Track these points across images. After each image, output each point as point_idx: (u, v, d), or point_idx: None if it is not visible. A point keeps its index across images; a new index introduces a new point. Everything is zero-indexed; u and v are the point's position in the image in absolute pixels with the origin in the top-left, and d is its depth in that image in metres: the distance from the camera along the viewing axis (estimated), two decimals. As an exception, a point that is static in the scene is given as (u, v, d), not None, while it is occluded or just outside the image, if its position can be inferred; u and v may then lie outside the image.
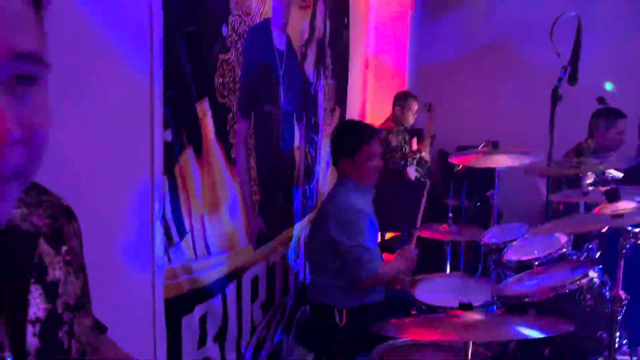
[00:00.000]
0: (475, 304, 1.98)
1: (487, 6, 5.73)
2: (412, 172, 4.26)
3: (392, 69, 4.85)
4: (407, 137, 4.39)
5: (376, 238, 2.31)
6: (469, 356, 1.40)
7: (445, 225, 2.76)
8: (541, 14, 5.34)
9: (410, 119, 4.38)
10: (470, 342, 1.37)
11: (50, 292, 0.58)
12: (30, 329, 0.54)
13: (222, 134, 1.72)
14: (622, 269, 1.45)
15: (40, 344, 0.55)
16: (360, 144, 2.25)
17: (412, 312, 2.25)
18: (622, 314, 1.49)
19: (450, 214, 2.73)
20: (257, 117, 1.99)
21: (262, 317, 2.18)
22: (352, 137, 2.30)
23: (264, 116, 2.08)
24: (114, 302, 1.01)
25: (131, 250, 1.30)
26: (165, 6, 1.36)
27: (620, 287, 1.46)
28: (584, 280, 1.58)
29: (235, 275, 1.90)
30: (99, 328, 0.74)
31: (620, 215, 1.37)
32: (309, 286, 2.39)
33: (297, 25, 2.48)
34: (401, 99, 4.36)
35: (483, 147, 3.53)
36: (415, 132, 4.69)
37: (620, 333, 1.59)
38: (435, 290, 2.33)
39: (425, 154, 4.42)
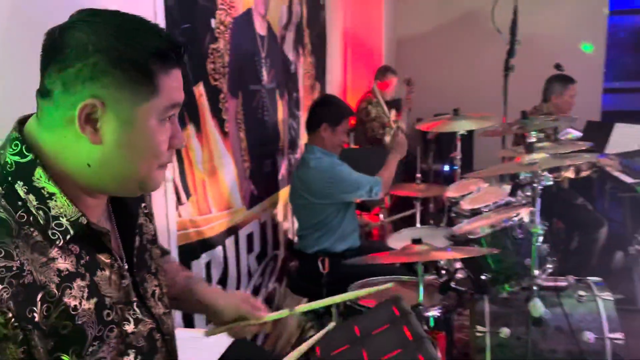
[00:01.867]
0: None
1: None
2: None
3: (369, 44, 5.15)
4: (385, 109, 4.73)
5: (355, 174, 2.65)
6: (421, 273, 1.79)
7: (414, 185, 3.15)
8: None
9: (389, 91, 4.72)
10: (420, 262, 1.75)
11: (140, 231, 0.97)
12: (134, 252, 0.92)
13: (216, 112, 2.05)
14: (539, 205, 1.82)
15: (136, 260, 0.92)
16: (344, 117, 2.65)
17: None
18: (540, 242, 1.87)
19: (419, 174, 3.11)
20: (244, 95, 2.32)
21: (257, 266, 2.55)
22: (338, 108, 2.69)
23: (250, 94, 2.42)
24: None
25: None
26: (166, 8, 1.68)
27: (539, 221, 1.83)
28: (515, 219, 1.96)
29: (233, 230, 2.26)
30: (164, 252, 1.15)
31: (535, 162, 1.73)
32: (297, 240, 2.76)
33: (276, 10, 2.79)
34: (380, 73, 4.69)
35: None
36: (394, 103, 5.02)
37: (544, 261, 1.98)
38: (405, 238, 2.72)
39: (403, 125, 4.77)
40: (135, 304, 0.88)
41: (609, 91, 6.51)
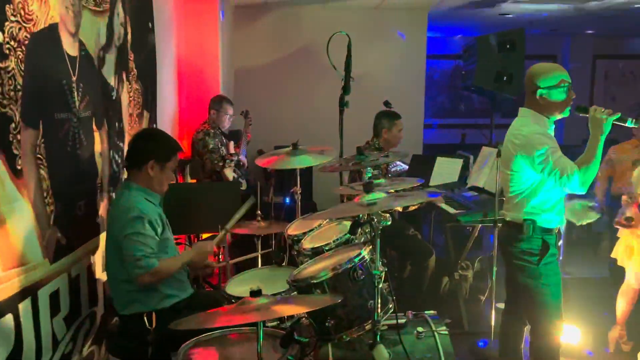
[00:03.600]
0: (280, 290, 2.22)
1: (293, 12, 6.13)
2: (229, 174, 4.41)
3: (205, 73, 4.93)
4: (224, 140, 4.51)
5: (156, 238, 2.27)
6: (261, 334, 1.59)
7: (255, 222, 2.98)
8: (345, 20, 5.98)
9: (226, 123, 4.52)
10: (260, 322, 1.55)
11: None
12: None
13: (4, 145, 1.64)
14: (378, 245, 1.77)
15: None
16: (173, 152, 2.35)
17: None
18: (381, 283, 1.82)
19: (259, 211, 2.95)
20: (46, 125, 1.92)
21: (67, 330, 2.11)
22: (167, 142, 2.37)
23: (56, 124, 2.02)
24: None
25: None
26: None
27: (380, 260, 1.78)
28: (356, 259, 1.88)
29: (29, 291, 1.82)
30: None
31: (374, 203, 1.68)
32: (112, 297, 2.36)
33: (92, 30, 2.43)
34: (216, 103, 4.47)
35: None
36: (232, 135, 4.85)
37: (385, 300, 1.94)
38: (246, 283, 2.51)
39: (242, 157, 4.61)
40: None
41: (428, 127, 7.20)
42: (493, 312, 3.33)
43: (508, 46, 5.38)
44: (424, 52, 6.41)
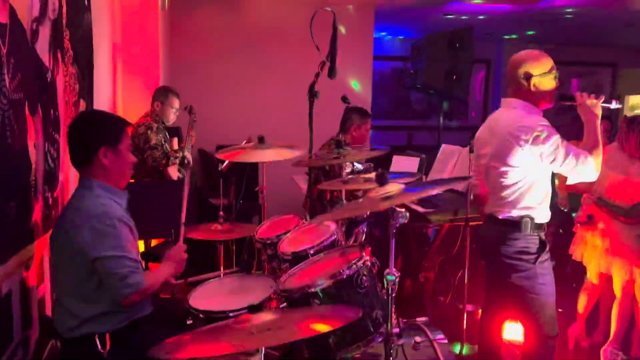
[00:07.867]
0: (256, 301, 1.91)
1: (235, 4, 5.79)
2: (174, 172, 3.99)
3: (144, 62, 4.47)
4: (167, 136, 4.09)
5: (137, 247, 2.00)
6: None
7: (216, 225, 2.64)
8: (291, 13, 5.71)
9: (172, 117, 4.09)
10: (263, 347, 1.26)
11: None
12: None
13: None
14: (393, 248, 1.53)
15: None
16: (123, 130, 1.96)
17: (188, 323, 2.04)
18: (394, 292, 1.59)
19: (221, 212, 2.62)
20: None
21: (-5, 363, 1.69)
22: (111, 121, 2.00)
23: (-18, 104, 1.60)
24: None
25: None
26: None
27: (392, 266, 1.54)
28: (359, 263, 1.64)
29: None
30: None
31: (390, 197, 1.45)
32: (56, 315, 1.94)
33: (24, -4, 2.01)
34: (161, 95, 4.02)
35: (247, 142, 3.52)
36: (174, 131, 4.41)
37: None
38: (211, 294, 2.18)
39: (188, 154, 4.20)
40: None
41: (373, 128, 7.11)
42: (465, 315, 3.20)
43: (457, 45, 5.38)
44: (371, 50, 6.29)
